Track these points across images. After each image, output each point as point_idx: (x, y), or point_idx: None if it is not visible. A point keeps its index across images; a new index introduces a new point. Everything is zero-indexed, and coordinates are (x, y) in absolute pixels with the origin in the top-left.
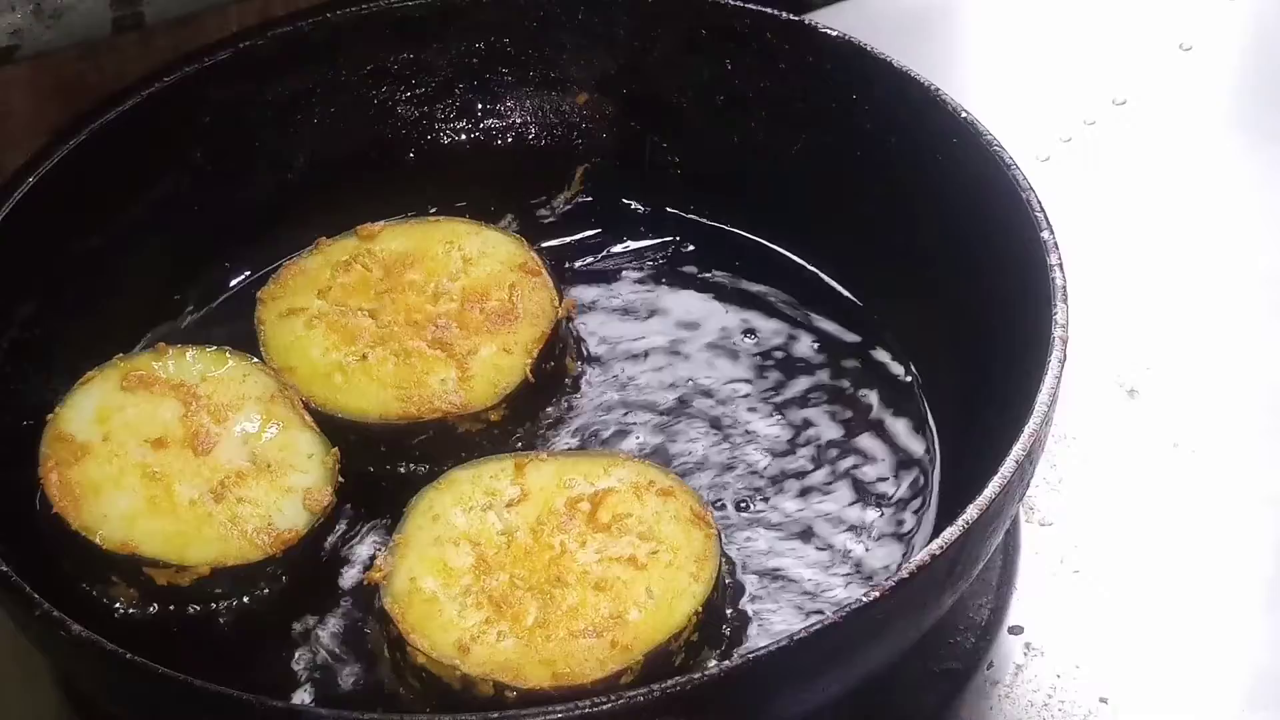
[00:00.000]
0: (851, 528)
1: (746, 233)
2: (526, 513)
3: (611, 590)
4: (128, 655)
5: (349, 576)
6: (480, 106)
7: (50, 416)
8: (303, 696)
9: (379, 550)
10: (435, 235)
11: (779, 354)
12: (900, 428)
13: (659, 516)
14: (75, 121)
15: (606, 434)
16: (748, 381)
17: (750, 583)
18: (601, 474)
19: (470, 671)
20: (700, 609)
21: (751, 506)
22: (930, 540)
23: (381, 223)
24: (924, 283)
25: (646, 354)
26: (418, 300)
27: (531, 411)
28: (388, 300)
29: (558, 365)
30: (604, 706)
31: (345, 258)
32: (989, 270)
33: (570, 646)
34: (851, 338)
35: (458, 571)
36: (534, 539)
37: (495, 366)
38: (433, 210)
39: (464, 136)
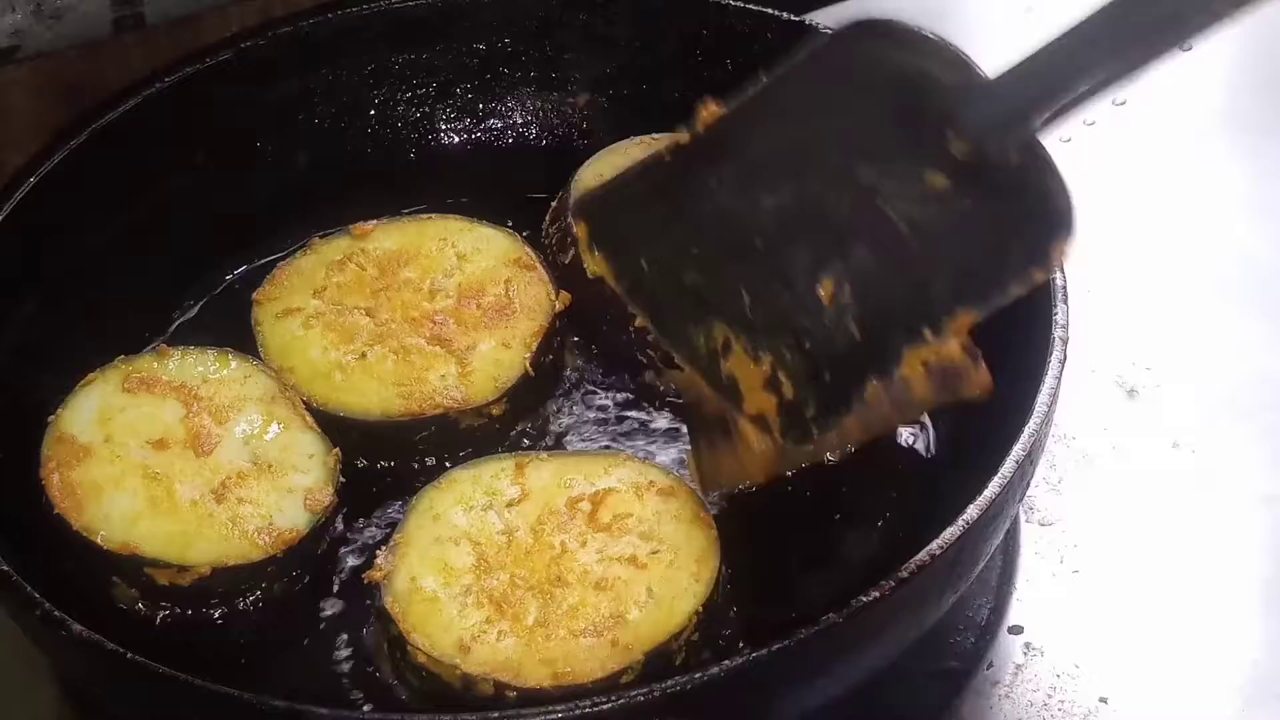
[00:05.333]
0: (851, 527)
1: None
2: (527, 512)
3: (612, 590)
4: (128, 655)
5: (350, 576)
6: (481, 107)
7: (51, 418)
8: (303, 696)
9: (379, 550)
10: (428, 232)
11: None
12: (900, 428)
13: (659, 516)
14: (76, 121)
15: (609, 426)
16: None
17: (751, 583)
18: (602, 474)
19: (470, 671)
20: (701, 609)
21: (752, 505)
22: (930, 540)
23: (374, 221)
24: None
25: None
26: (414, 298)
27: (533, 405)
28: (384, 298)
29: (556, 358)
30: (604, 706)
31: (339, 257)
32: None
33: (571, 646)
34: None
35: (458, 571)
36: (534, 538)
37: (495, 361)
38: (443, 207)
39: (464, 137)
